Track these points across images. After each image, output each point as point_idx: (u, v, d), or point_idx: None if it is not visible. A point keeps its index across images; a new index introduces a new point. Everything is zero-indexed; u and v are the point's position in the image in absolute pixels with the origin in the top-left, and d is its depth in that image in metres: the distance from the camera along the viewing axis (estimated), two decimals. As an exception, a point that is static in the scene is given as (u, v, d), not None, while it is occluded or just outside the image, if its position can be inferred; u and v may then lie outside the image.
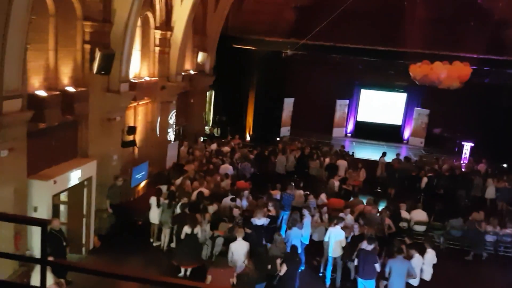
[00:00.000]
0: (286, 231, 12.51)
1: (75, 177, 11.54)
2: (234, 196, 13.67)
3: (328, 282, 11.80)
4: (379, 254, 11.26)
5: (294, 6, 25.22)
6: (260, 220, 11.95)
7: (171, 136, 19.06)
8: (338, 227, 11.70)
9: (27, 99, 9.72)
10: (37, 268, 8.27)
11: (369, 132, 27.50)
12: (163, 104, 18.07)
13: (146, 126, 17.30)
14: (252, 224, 11.82)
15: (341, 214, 12.65)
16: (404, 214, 14.54)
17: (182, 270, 11.57)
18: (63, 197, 12.01)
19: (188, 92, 21.41)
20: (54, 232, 9.87)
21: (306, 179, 17.67)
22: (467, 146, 23.96)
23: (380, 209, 14.30)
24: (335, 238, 11.56)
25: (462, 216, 14.74)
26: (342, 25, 21.29)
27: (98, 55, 11.86)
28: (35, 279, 8.32)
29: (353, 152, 22.83)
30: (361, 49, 22.52)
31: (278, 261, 10.23)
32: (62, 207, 12.19)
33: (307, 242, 12.38)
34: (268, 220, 12.39)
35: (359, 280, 10.69)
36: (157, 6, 16.94)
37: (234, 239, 10.70)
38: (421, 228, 14.55)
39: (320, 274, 12.22)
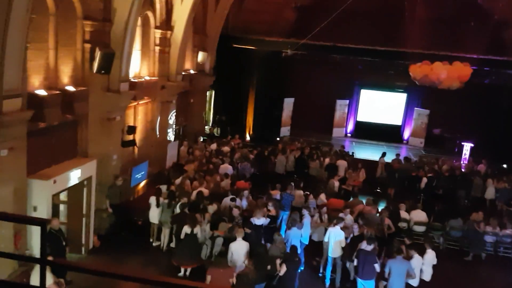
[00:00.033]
0: (285, 231, 12.50)
1: (74, 176, 11.53)
2: (234, 196, 13.67)
3: (327, 283, 11.80)
4: (378, 254, 11.26)
5: (294, 6, 25.23)
6: (259, 220, 11.96)
7: (171, 135, 19.05)
8: (337, 227, 11.69)
9: (27, 99, 9.72)
10: (37, 268, 8.27)
11: (369, 132, 27.50)
12: (163, 104, 18.06)
13: (146, 126, 17.29)
14: (252, 224, 11.81)
15: (340, 214, 12.65)
16: (404, 214, 14.54)
17: (182, 270, 11.57)
18: (63, 196, 12.01)
19: (188, 92, 21.41)
20: (53, 231, 9.86)
21: (306, 179, 17.66)
22: (467, 147, 23.96)
23: (379, 209, 14.29)
24: (335, 239, 11.56)
25: (462, 217, 14.73)
26: (342, 25, 21.29)
27: (98, 54, 11.86)
28: (35, 279, 8.31)
29: (353, 152, 22.83)
30: (361, 49, 22.53)
31: (278, 261, 10.23)
32: (61, 207, 12.18)
33: (306, 242, 12.38)
34: (268, 220, 12.39)
35: (359, 280, 10.68)
36: (157, 6, 16.93)
37: (234, 239, 10.71)
38: (420, 229, 14.54)
39: (320, 275, 12.22)
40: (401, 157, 20.69)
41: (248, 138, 25.45)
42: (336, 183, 16.72)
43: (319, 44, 21.99)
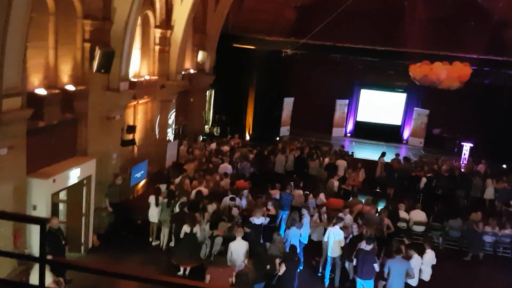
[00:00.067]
0: (285, 230, 12.51)
1: (74, 175, 11.53)
2: (233, 196, 13.67)
3: (327, 282, 11.80)
4: (377, 254, 11.26)
5: (295, 5, 25.23)
6: (258, 220, 11.96)
7: (170, 135, 19.05)
8: (337, 227, 11.69)
9: (27, 97, 9.71)
10: (36, 267, 8.27)
11: (368, 132, 27.50)
12: (163, 103, 18.07)
13: (145, 125, 17.29)
14: (251, 223, 11.81)
15: (340, 214, 12.64)
16: (403, 214, 14.55)
17: (181, 269, 11.58)
18: (62, 195, 12.01)
19: (188, 91, 21.40)
20: (53, 230, 9.86)
21: (306, 179, 17.67)
22: (467, 147, 23.97)
23: (379, 209, 14.30)
24: (334, 238, 11.56)
25: (461, 217, 14.74)
26: (342, 25, 21.29)
27: (98, 53, 11.85)
28: (34, 278, 8.31)
29: (352, 152, 22.84)
30: (361, 49, 22.53)
31: (277, 260, 10.23)
32: (61, 206, 12.18)
33: (306, 242, 12.38)
34: (268, 219, 12.39)
35: (358, 280, 10.69)
36: (157, 5, 16.93)
37: (234, 238, 10.70)
38: (420, 229, 14.55)
39: (319, 274, 12.22)
40: (401, 157, 20.69)
41: (247, 137, 25.45)
42: (336, 183, 16.73)
43: (319, 43, 22.00)
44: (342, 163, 18.95)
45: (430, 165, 20.67)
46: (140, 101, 16.58)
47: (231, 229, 11.54)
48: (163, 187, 13.77)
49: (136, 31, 14.76)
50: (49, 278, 8.16)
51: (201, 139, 21.04)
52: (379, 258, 11.19)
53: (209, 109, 25.56)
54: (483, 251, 14.30)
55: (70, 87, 11.80)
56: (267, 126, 25.60)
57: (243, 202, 13.85)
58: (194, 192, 13.77)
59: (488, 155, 22.00)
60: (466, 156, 23.75)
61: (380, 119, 28.20)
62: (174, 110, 19.03)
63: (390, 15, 23.17)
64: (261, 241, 12.15)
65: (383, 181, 19.33)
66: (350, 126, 28.86)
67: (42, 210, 10.36)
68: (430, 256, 11.08)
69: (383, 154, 20.70)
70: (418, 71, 20.31)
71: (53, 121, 11.09)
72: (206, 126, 24.87)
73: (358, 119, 28.78)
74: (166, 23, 17.41)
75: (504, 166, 22.09)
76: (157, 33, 17.20)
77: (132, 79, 14.87)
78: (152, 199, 13.02)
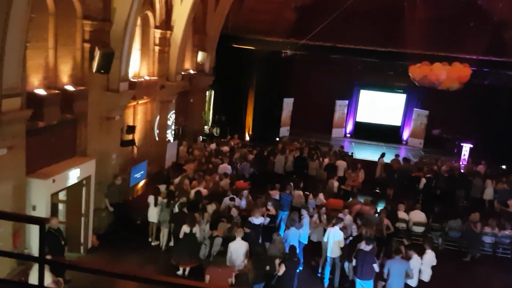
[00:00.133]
0: (284, 231, 12.51)
1: (74, 176, 11.52)
2: (233, 196, 13.67)
3: (326, 283, 11.80)
4: (377, 254, 11.26)
5: (294, 6, 25.23)
6: (258, 219, 11.96)
7: (170, 135, 19.05)
8: (336, 227, 11.69)
9: (27, 98, 9.70)
10: (35, 267, 8.27)
11: (368, 132, 27.51)
12: (163, 104, 18.07)
13: (145, 126, 17.29)
14: (251, 223, 11.81)
15: (340, 215, 12.64)
16: (402, 214, 14.55)
17: (181, 269, 11.58)
18: (62, 195, 12.00)
19: (188, 92, 21.41)
20: (52, 230, 9.86)
21: (306, 180, 17.66)
22: (466, 147, 23.97)
23: (378, 209, 14.30)
24: (334, 239, 11.56)
25: (461, 217, 14.74)
26: (342, 25, 21.30)
27: (97, 54, 11.85)
28: (33, 278, 8.31)
29: (352, 153, 22.84)
30: (360, 50, 22.54)
31: (277, 261, 10.23)
32: (60, 206, 12.18)
33: (305, 242, 12.39)
34: (268, 219, 12.40)
35: (357, 280, 10.68)
36: (157, 5, 16.93)
37: (233, 238, 10.70)
38: (419, 229, 14.55)
39: (319, 275, 12.22)
40: (400, 158, 20.70)
41: (247, 138, 25.45)
42: (336, 183, 16.73)
43: (319, 44, 22.01)
44: (341, 164, 18.95)
45: (429, 165, 20.67)
46: (140, 102, 16.58)
47: (231, 230, 11.54)
48: (162, 187, 13.78)
49: (136, 32, 14.77)
50: (48, 278, 8.15)
51: (201, 139, 21.04)
52: (378, 258, 11.20)
53: (209, 110, 25.56)
54: (482, 252, 14.30)
55: (70, 88, 11.80)
56: (267, 127, 25.61)
57: (243, 203, 13.85)
58: (193, 192, 13.77)
59: (488, 155, 22.01)
60: (466, 156, 23.76)
61: (379, 119, 28.21)
62: (173, 110, 19.04)
63: (389, 15, 23.19)
64: (260, 241, 12.16)
65: (383, 181, 19.33)
66: (349, 127, 28.87)
67: (41, 210, 10.35)
68: (430, 257, 11.07)
69: (383, 155, 20.71)
70: (417, 71, 20.32)
71: (52, 122, 11.09)
72: (205, 127, 24.87)
73: (358, 119, 28.79)
74: (166, 24, 17.41)
75: (504, 166, 22.10)
76: (157, 33, 17.20)
77: (132, 80, 14.87)
78: (151, 199, 13.03)
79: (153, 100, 17.46)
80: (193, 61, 21.84)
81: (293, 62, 24.32)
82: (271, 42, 23.43)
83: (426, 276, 10.95)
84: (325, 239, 11.86)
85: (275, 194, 14.48)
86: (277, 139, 24.72)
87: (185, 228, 11.30)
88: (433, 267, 11.05)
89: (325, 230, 12.24)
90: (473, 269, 13.82)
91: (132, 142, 15.09)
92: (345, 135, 28.59)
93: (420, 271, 10.83)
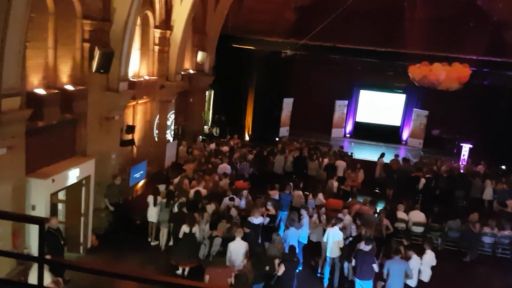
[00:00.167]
0: (284, 231, 12.50)
1: (73, 175, 11.52)
2: (233, 196, 13.67)
3: (326, 283, 11.80)
4: (376, 254, 11.26)
5: (294, 6, 25.23)
6: (257, 219, 11.95)
7: (169, 135, 19.04)
8: (336, 227, 11.69)
9: (26, 97, 9.70)
10: (35, 267, 8.26)
11: (368, 133, 27.52)
12: (162, 103, 18.06)
13: (145, 125, 17.29)
14: (250, 223, 11.81)
15: (339, 215, 12.65)
16: (402, 215, 14.55)
17: (180, 268, 11.57)
18: (61, 195, 12.00)
19: (188, 92, 21.40)
20: (52, 230, 9.86)
21: (305, 180, 17.66)
22: (466, 148, 23.98)
23: (378, 209, 14.30)
24: (333, 239, 11.57)
25: (460, 218, 14.74)
26: (342, 25, 21.30)
27: (97, 53, 11.85)
28: (33, 278, 8.30)
29: (351, 153, 22.85)
30: (360, 50, 22.55)
31: (276, 261, 10.23)
32: (60, 206, 12.17)
33: (305, 242, 12.39)
34: (268, 219, 12.40)
35: (357, 280, 10.68)
36: (157, 5, 16.93)
37: (233, 238, 10.70)
38: (419, 229, 14.56)
39: (318, 275, 12.23)
40: (400, 158, 20.70)
41: (247, 138, 25.46)
42: (335, 184, 16.73)
43: (318, 44, 22.01)
44: (341, 164, 18.96)
45: (429, 166, 20.67)
46: (140, 101, 16.58)
47: (230, 230, 11.54)
48: (162, 187, 13.77)
49: (136, 31, 14.76)
50: (48, 278, 8.15)
51: (200, 139, 21.04)
52: (378, 258, 11.20)
53: (209, 110, 25.56)
54: (482, 252, 14.30)
55: (70, 87, 11.80)
56: (267, 127, 25.61)
57: (242, 203, 13.85)
58: (192, 191, 13.77)
59: (487, 156, 22.02)
60: (465, 157, 23.77)
61: (379, 120, 28.22)
62: (173, 110, 19.03)
63: (389, 16, 23.19)
64: (260, 241, 12.16)
65: (382, 181, 19.34)
66: (349, 127, 28.88)
67: (41, 210, 10.35)
68: (429, 257, 11.07)
69: (382, 155, 20.71)
70: (417, 72, 20.32)
71: (52, 121, 11.08)
72: (205, 127, 24.87)
73: (358, 119, 28.81)
74: (166, 24, 17.41)
75: (503, 167, 22.11)
76: (156, 33, 17.20)
77: (132, 79, 14.87)
78: (150, 199, 13.03)
79: (152, 100, 17.46)
80: (193, 61, 21.85)
81: (293, 62, 24.33)
82: (271, 42, 23.43)
83: (426, 276, 10.95)
84: (324, 239, 11.86)
85: (275, 194, 14.49)
86: (277, 139, 24.72)
87: (185, 228, 11.30)
88: (432, 267, 11.06)
89: (324, 230, 12.25)
90: (472, 270, 13.83)
91: (131, 142, 15.09)
92: (344, 135, 28.60)
93: (419, 271, 10.84)
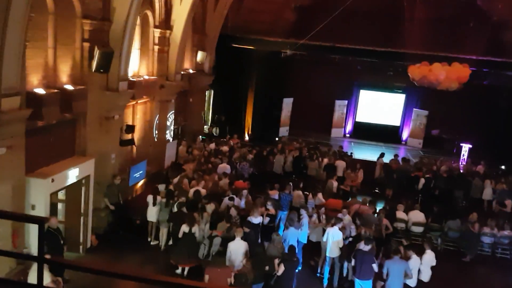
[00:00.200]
0: (283, 231, 12.51)
1: (73, 175, 11.52)
2: (232, 196, 13.67)
3: (325, 283, 11.80)
4: (376, 254, 11.26)
5: (294, 6, 25.23)
6: (256, 219, 11.95)
7: (169, 135, 19.04)
8: (336, 227, 11.70)
9: (26, 97, 9.70)
10: (34, 266, 8.27)
11: (367, 132, 27.52)
12: (162, 103, 18.06)
13: (144, 125, 17.29)
14: (250, 223, 11.81)
15: (339, 215, 12.65)
16: (401, 215, 14.55)
17: (180, 267, 11.57)
18: (61, 195, 12.00)
19: (187, 91, 21.40)
20: (51, 230, 9.85)
21: (305, 180, 17.66)
22: (466, 148, 23.98)
23: (378, 209, 14.30)
24: (333, 239, 11.57)
25: (460, 218, 14.74)
26: (342, 25, 21.30)
27: (97, 53, 11.85)
28: (32, 277, 8.30)
29: (351, 153, 22.85)
30: (360, 50, 22.54)
31: (276, 261, 10.23)
32: (60, 205, 12.17)
33: (305, 241, 12.39)
34: (268, 219, 12.40)
35: (356, 280, 10.69)
36: (157, 5, 16.93)
37: (233, 238, 10.70)
38: (418, 229, 14.56)
39: (318, 275, 12.23)
40: (399, 158, 20.71)
41: (247, 138, 25.45)
42: (335, 183, 16.73)
43: (318, 44, 22.00)
44: (341, 164, 18.95)
45: (429, 166, 20.67)
46: (139, 101, 16.57)
47: (230, 229, 11.54)
48: (161, 187, 13.77)
49: (135, 31, 14.76)
50: (47, 278, 8.15)
51: (200, 139, 21.04)
52: (377, 258, 11.20)
53: (208, 109, 25.55)
54: (481, 252, 14.30)
55: (69, 87, 11.79)
56: (266, 127, 25.61)
57: (242, 202, 13.85)
58: (191, 191, 13.77)
59: (487, 156, 22.02)
60: (465, 157, 23.77)
61: (379, 119, 28.22)
62: (173, 110, 19.03)
63: (389, 15, 23.20)
64: (259, 241, 12.16)
65: (382, 181, 19.34)
66: (349, 127, 28.88)
67: (40, 209, 10.35)
68: (429, 257, 11.07)
69: (382, 155, 20.71)
70: (417, 72, 20.31)
71: (52, 121, 11.08)
72: (205, 126, 24.87)
73: (357, 119, 28.81)
74: (166, 23, 17.41)
75: (503, 167, 22.11)
76: (156, 33, 17.19)
77: (131, 79, 14.86)
78: (150, 198, 13.04)
79: (152, 100, 17.45)
80: (193, 61, 21.84)
81: (293, 62, 24.33)
82: (271, 42, 23.42)
83: (426, 276, 10.95)
84: (324, 239, 11.87)
85: (274, 194, 14.49)
86: (277, 139, 24.71)
87: (184, 228, 11.30)
88: (432, 267, 11.06)
89: (324, 230, 12.25)
90: (472, 270, 13.83)
91: (131, 142, 15.08)
92: (344, 135, 28.60)
93: (419, 271, 10.84)
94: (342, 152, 21.76)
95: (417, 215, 14.65)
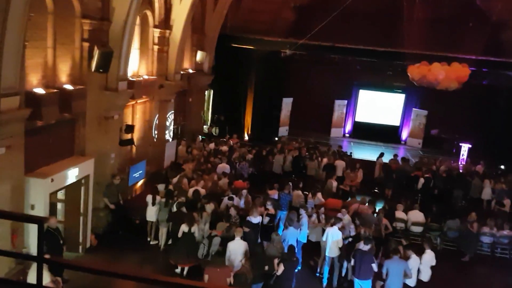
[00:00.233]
0: (283, 231, 12.51)
1: (72, 175, 11.51)
2: (232, 195, 13.67)
3: (325, 282, 11.80)
4: (375, 254, 11.26)
5: (293, 5, 25.23)
6: (256, 219, 11.96)
7: (169, 135, 19.03)
8: (335, 227, 11.70)
9: (25, 97, 9.69)
10: (34, 266, 8.26)
11: (367, 132, 27.52)
12: (161, 103, 18.06)
13: (144, 125, 17.28)
14: (250, 222, 11.81)
15: (339, 215, 12.66)
16: (401, 214, 14.56)
17: (179, 267, 11.57)
18: (61, 195, 11.99)
19: (187, 91, 21.40)
20: (51, 230, 9.85)
21: (304, 179, 17.66)
22: (465, 147, 23.99)
23: (377, 209, 14.31)
24: (332, 238, 11.57)
25: (459, 217, 14.75)
26: (341, 25, 21.30)
27: (96, 53, 11.84)
28: (32, 277, 8.30)
29: (351, 153, 22.85)
30: (359, 50, 22.55)
31: (276, 260, 10.23)
32: (59, 205, 12.17)
33: (304, 241, 12.40)
34: (268, 218, 12.40)
35: (356, 280, 10.69)
36: (156, 5, 16.92)
37: (232, 238, 10.70)
38: (418, 229, 14.56)
39: (317, 274, 12.23)
40: (399, 158, 20.72)
41: (246, 137, 25.45)
42: (334, 183, 16.73)
43: (318, 44, 22.00)
44: (340, 164, 18.96)
45: (428, 165, 20.68)
46: (139, 101, 16.57)
47: (229, 229, 11.54)
48: (161, 187, 13.76)
49: (135, 31, 14.75)
50: (46, 278, 8.14)
51: (200, 139, 21.04)
52: (377, 258, 11.20)
53: (208, 109, 25.55)
54: (481, 252, 14.30)
55: (68, 87, 11.79)
56: (266, 126, 25.60)
57: (241, 202, 13.85)
58: (191, 190, 13.76)
59: (487, 155, 22.03)
60: (464, 157, 23.78)
61: (378, 119, 28.22)
62: (172, 110, 19.02)
63: (388, 15, 23.19)
64: (259, 240, 12.16)
65: (381, 181, 19.35)
66: (348, 127, 28.88)
67: (40, 209, 10.35)
68: (429, 257, 11.07)
69: (382, 155, 20.72)
70: (416, 71, 20.32)
71: (51, 121, 11.07)
72: (204, 126, 24.86)
73: (357, 119, 28.81)
74: (165, 23, 17.40)
75: (502, 166, 22.13)
76: (155, 33, 17.19)
77: (131, 79, 14.85)
78: (149, 198, 13.04)
79: (152, 100, 17.45)
80: (192, 61, 21.84)
81: (292, 61, 24.32)
82: (270, 41, 23.42)
83: (426, 276, 10.96)
84: (323, 239, 11.87)
85: (274, 194, 14.49)
86: (276, 138, 24.72)
87: (184, 228, 11.30)
88: (432, 267, 11.06)
89: (323, 230, 12.25)
90: (471, 269, 13.84)
91: (130, 142, 15.08)
92: (344, 135, 28.60)
93: (419, 271, 10.84)
94: (342, 152, 21.77)
95: (416, 215, 14.65)
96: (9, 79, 8.87)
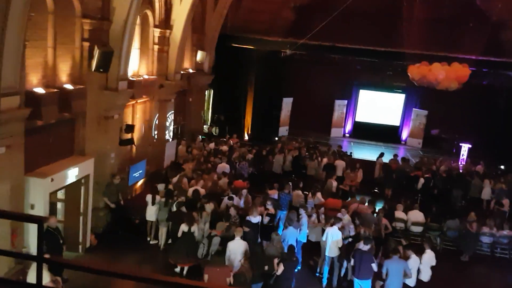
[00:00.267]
0: (282, 230, 12.51)
1: (72, 175, 11.52)
2: (232, 195, 13.67)
3: (324, 282, 11.80)
4: (375, 254, 11.26)
5: (293, 5, 25.23)
6: (256, 218, 11.96)
7: (168, 134, 19.03)
8: (335, 227, 11.70)
9: (25, 96, 9.70)
10: (34, 266, 8.26)
11: (367, 132, 27.53)
12: (162, 103, 18.06)
13: (144, 125, 17.28)
14: (250, 222, 11.81)
15: (338, 215, 12.66)
16: (400, 214, 14.56)
17: (179, 267, 11.57)
18: (60, 194, 11.99)
19: (187, 91, 21.40)
20: (50, 229, 9.85)
21: (304, 179, 17.67)
22: (465, 147, 23.99)
23: (377, 209, 14.31)
24: (332, 238, 11.57)
25: (459, 217, 14.75)
26: (341, 25, 21.30)
27: (96, 52, 11.84)
28: (32, 277, 8.30)
29: (351, 153, 22.85)
30: (359, 50, 22.56)
31: (275, 260, 10.23)
32: (59, 205, 12.17)
33: (304, 240, 12.40)
34: (268, 218, 12.40)
35: (356, 280, 10.69)
36: (157, 5, 16.92)
37: (232, 238, 10.70)
38: (418, 229, 14.56)
39: (317, 274, 12.23)
40: (399, 158, 20.72)
41: (246, 137, 25.45)
42: (334, 183, 16.73)
43: (318, 44, 22.01)
44: (340, 164, 18.96)
45: (428, 165, 20.69)
46: (139, 101, 16.57)
47: (229, 229, 11.54)
48: (161, 186, 13.76)
49: (135, 31, 14.74)
50: (46, 277, 8.15)
51: (200, 138, 21.04)
52: (377, 258, 11.20)
53: (208, 109, 25.55)
54: (480, 252, 14.30)
55: (68, 86, 11.79)
56: (266, 126, 25.60)
57: (241, 202, 13.85)
58: (190, 190, 13.77)
59: (487, 155, 22.03)
60: (464, 156, 23.78)
61: (378, 119, 28.23)
62: (172, 109, 19.02)
63: (389, 15, 23.19)
64: (259, 240, 12.16)
65: (381, 181, 19.35)
66: (348, 127, 28.88)
67: (40, 209, 10.35)
68: (429, 257, 11.07)
69: (382, 155, 20.72)
70: (416, 71, 20.33)
71: (51, 120, 11.07)
72: (204, 126, 24.86)
73: (357, 119, 28.82)
74: (165, 23, 17.40)
75: (502, 166, 22.13)
76: (156, 32, 17.19)
77: (131, 79, 14.85)
78: (149, 197, 13.05)
79: (152, 99, 17.45)
80: (192, 61, 21.84)
81: (292, 61, 24.33)
82: (270, 41, 23.42)
83: (426, 276, 10.96)
84: (323, 239, 11.87)
85: (274, 194, 14.49)
86: (276, 138, 24.72)
87: (183, 227, 11.30)
88: (431, 267, 11.06)
89: (323, 230, 12.25)
90: (471, 269, 13.84)
91: (130, 141, 15.08)
92: (344, 135, 28.61)
93: (418, 271, 10.84)
94: (342, 151, 21.77)
95: (416, 215, 14.65)
96: (9, 78, 8.87)
